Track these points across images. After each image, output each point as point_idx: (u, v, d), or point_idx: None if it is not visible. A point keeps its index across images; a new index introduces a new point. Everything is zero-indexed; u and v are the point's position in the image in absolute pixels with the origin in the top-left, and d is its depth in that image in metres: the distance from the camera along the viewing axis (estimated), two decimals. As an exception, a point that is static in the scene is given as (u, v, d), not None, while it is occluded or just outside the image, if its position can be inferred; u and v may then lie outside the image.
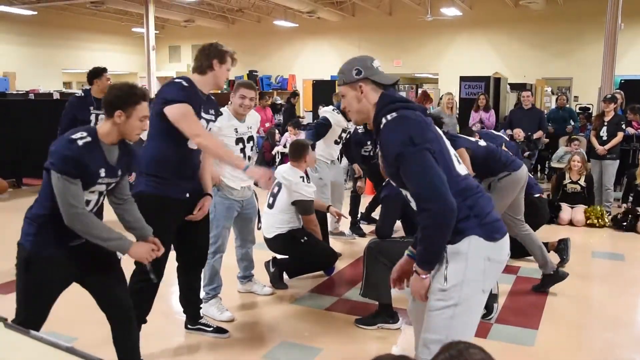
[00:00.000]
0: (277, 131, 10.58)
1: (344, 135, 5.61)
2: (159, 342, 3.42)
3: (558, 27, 15.83)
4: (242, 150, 3.83)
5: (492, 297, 3.86)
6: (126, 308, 2.64)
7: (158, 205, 2.92)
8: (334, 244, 5.37)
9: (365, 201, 6.44)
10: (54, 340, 1.24)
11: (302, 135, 9.83)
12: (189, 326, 3.57)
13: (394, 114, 2.03)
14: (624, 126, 7.24)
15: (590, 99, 13.43)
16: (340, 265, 4.99)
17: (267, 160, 9.87)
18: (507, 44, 16.82)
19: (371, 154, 6.06)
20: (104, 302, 2.62)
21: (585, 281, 4.79)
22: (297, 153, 4.61)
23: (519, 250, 4.81)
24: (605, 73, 9.72)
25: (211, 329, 3.54)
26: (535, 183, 5.30)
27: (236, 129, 3.77)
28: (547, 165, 9.58)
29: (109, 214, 2.78)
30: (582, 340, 3.66)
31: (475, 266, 1.99)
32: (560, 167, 7.84)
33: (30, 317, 2.43)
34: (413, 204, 2.06)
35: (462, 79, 10.48)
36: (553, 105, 13.89)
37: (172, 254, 3.40)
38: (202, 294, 3.82)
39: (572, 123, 9.63)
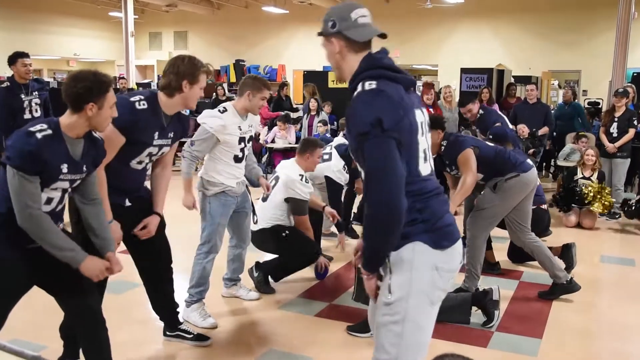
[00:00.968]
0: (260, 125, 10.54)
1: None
2: (135, 351, 3.40)
3: (566, 16, 15.90)
4: (242, 150, 3.84)
5: (493, 304, 3.87)
6: (94, 313, 2.60)
7: None
8: (326, 245, 5.36)
9: (359, 200, 6.45)
10: (19, 349, 1.22)
11: (291, 130, 9.85)
12: (167, 333, 3.55)
13: (373, 84, 1.88)
14: (635, 122, 7.26)
15: (600, 93, 13.51)
16: (331, 268, 4.99)
17: (256, 151, 9.82)
18: (511, 34, 16.87)
19: None
20: (69, 307, 2.59)
21: (592, 287, 4.82)
22: (302, 148, 4.68)
23: (521, 255, 4.84)
24: (617, 65, 9.77)
25: (191, 336, 3.52)
26: (541, 193, 5.31)
27: (240, 126, 3.78)
28: (552, 164, 9.61)
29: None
30: (589, 351, 3.67)
31: (421, 276, 1.93)
32: (567, 166, 7.87)
33: None
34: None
35: (463, 70, 10.52)
36: (560, 100, 13.98)
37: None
38: (186, 296, 3.80)
39: (580, 121, 9.59)
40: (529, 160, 4.37)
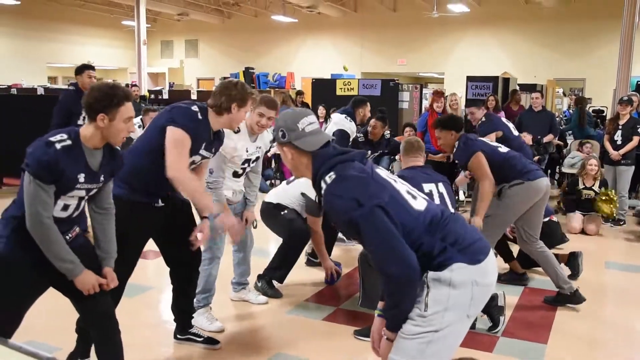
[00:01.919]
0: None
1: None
2: (146, 353, 3.40)
3: (571, 25, 15.88)
4: (244, 169, 3.88)
5: (499, 310, 3.85)
6: (108, 315, 2.62)
7: (126, 209, 2.86)
8: (335, 252, 5.35)
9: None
10: (34, 350, 1.23)
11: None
12: (178, 336, 3.56)
13: (332, 175, 1.98)
14: (639, 130, 7.23)
15: (604, 101, 13.45)
16: (339, 273, 4.99)
17: (264, 159, 9.83)
18: (516, 43, 16.86)
19: None
20: (83, 309, 2.60)
21: (598, 294, 4.78)
22: None
23: (527, 260, 4.80)
24: (621, 74, 9.73)
25: (202, 339, 3.53)
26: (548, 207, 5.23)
27: (247, 148, 3.80)
28: (557, 170, 9.58)
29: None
30: (594, 357, 3.64)
31: (461, 294, 1.94)
32: (572, 173, 7.84)
33: (1, 322, 2.42)
34: None
35: (469, 79, 10.49)
36: (565, 107, 13.92)
37: (161, 260, 3.40)
38: (194, 302, 3.81)
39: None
40: (539, 171, 4.31)
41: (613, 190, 6.72)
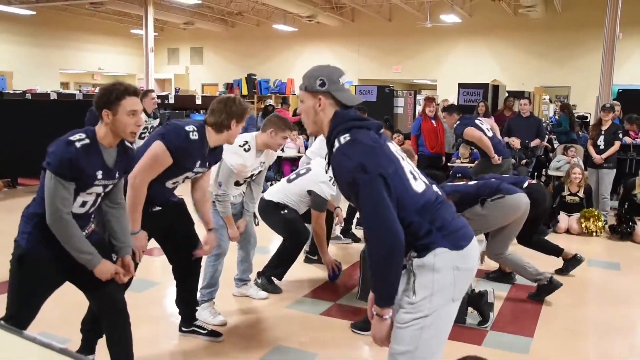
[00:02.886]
0: None
1: None
2: (152, 346, 3.41)
3: (557, 35, 15.91)
4: (246, 180, 3.92)
5: (489, 306, 3.87)
6: (121, 309, 2.63)
7: None
8: (332, 249, 5.36)
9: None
10: (48, 341, 1.23)
11: (301, 140, 9.86)
12: (183, 329, 3.57)
13: (347, 136, 1.97)
14: (620, 135, 7.27)
15: (588, 107, 13.49)
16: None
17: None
18: (505, 52, 16.89)
19: None
20: (97, 302, 2.62)
21: (581, 290, 4.80)
22: None
23: (526, 242, 4.85)
24: (603, 82, 9.76)
25: (205, 332, 3.54)
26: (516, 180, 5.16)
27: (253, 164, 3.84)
28: (544, 173, 9.60)
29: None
30: (577, 349, 3.66)
31: (444, 277, 1.95)
32: (558, 176, 7.86)
33: (19, 314, 2.45)
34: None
35: (461, 85, 10.53)
36: (551, 113, 13.95)
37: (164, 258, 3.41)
38: (198, 296, 3.82)
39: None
40: (516, 188, 4.27)
41: (596, 210, 6.76)
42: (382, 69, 18.81)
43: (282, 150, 9.85)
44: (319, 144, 5.30)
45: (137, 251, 2.87)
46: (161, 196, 3.09)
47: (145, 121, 6.80)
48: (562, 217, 6.79)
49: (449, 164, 8.13)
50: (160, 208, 3.11)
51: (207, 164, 3.16)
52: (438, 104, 8.93)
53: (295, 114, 11.37)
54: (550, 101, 15.42)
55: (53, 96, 13.91)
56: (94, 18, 19.49)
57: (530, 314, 4.10)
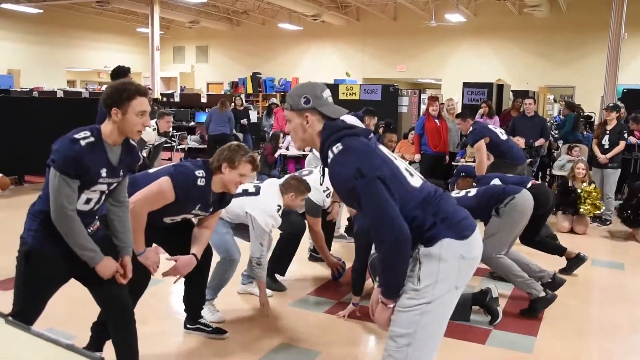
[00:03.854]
0: (281, 134, 10.59)
1: None
2: (157, 342, 3.42)
3: (562, 35, 15.87)
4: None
5: (494, 301, 3.85)
6: (125, 306, 2.64)
7: None
8: (335, 248, 5.37)
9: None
10: (55, 337, 1.24)
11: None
12: (188, 326, 3.58)
13: (339, 146, 2.02)
14: (625, 135, 7.24)
15: (593, 107, 13.44)
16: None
17: (269, 163, 9.86)
18: (510, 51, 16.85)
19: None
20: (102, 299, 2.63)
21: (584, 289, 4.79)
22: None
23: (530, 240, 4.83)
24: (608, 82, 9.74)
25: (210, 329, 3.55)
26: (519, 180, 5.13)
27: None
28: (548, 173, 9.58)
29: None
30: (581, 349, 3.65)
31: (449, 266, 2.00)
32: (562, 175, 7.83)
33: (25, 310, 2.46)
34: None
35: (465, 85, 10.50)
36: (555, 113, 13.91)
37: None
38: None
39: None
40: (518, 187, 4.24)
41: (593, 185, 6.71)
42: (386, 68, 18.79)
43: (287, 149, 9.86)
44: None
45: (151, 268, 2.93)
46: (158, 224, 3.09)
47: (155, 139, 7.03)
48: (567, 216, 6.77)
49: (453, 163, 8.11)
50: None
51: (211, 209, 3.14)
52: (442, 104, 8.92)
53: (270, 113, 11.42)
54: (555, 101, 15.37)
55: (60, 94, 13.96)
56: (100, 17, 19.54)
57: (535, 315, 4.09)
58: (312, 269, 5.01)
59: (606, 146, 7.10)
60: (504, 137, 6.41)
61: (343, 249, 5.66)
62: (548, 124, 9.44)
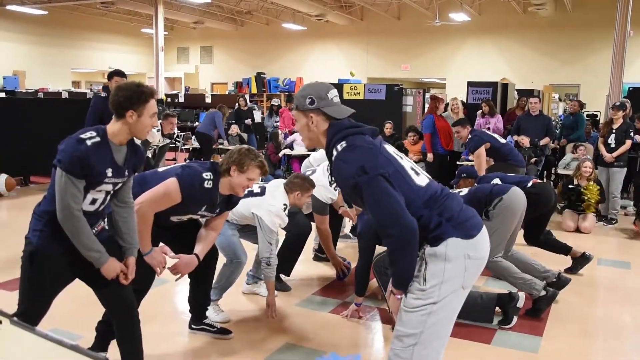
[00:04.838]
0: (280, 133, 10.59)
1: None
2: (162, 343, 3.42)
3: (566, 33, 15.81)
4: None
5: (515, 310, 3.80)
6: (130, 306, 2.64)
7: None
8: (340, 247, 5.36)
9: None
10: (59, 338, 1.24)
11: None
12: (193, 326, 3.58)
13: (344, 144, 2.04)
14: (632, 134, 7.20)
15: (598, 106, 13.38)
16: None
17: (273, 162, 9.86)
18: (515, 50, 16.80)
19: None
20: (106, 299, 2.63)
21: (590, 289, 4.77)
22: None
23: (535, 239, 4.81)
24: (614, 80, 9.69)
25: (215, 329, 3.55)
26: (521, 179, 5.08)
27: None
28: (553, 172, 9.54)
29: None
30: (587, 349, 3.63)
31: (455, 266, 2.00)
32: (567, 174, 7.81)
33: (30, 310, 2.47)
34: None
35: (470, 84, 10.46)
36: (560, 112, 13.85)
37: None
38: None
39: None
40: (507, 185, 4.15)
41: (595, 185, 6.71)
42: (390, 67, 18.77)
43: (292, 148, 9.85)
44: (322, 152, 5.31)
45: (158, 268, 2.94)
46: (165, 223, 3.10)
47: (159, 140, 7.06)
48: (572, 215, 6.74)
49: (457, 162, 8.09)
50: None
51: (217, 210, 3.14)
52: (446, 104, 8.90)
53: (272, 112, 11.46)
54: (560, 100, 15.31)
55: (65, 95, 14.01)
56: (105, 17, 19.59)
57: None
58: (317, 269, 5.01)
59: (612, 145, 7.07)
60: (502, 140, 6.51)
61: (348, 249, 5.66)
62: (553, 122, 9.40)
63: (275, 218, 3.73)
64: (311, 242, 5.20)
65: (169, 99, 15.25)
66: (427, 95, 10.65)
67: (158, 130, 6.98)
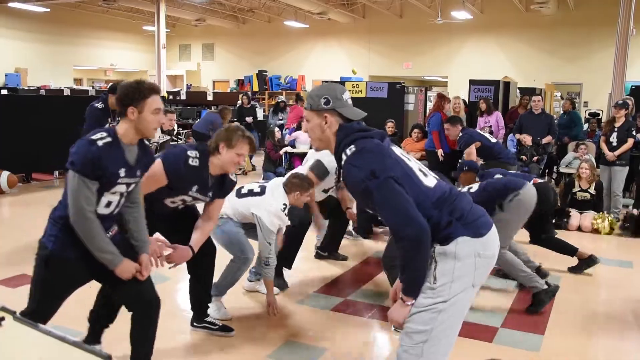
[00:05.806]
0: (276, 129, 10.53)
1: None
2: (164, 340, 3.40)
3: (569, 32, 15.78)
4: None
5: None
6: (148, 300, 2.65)
7: None
8: (342, 244, 5.36)
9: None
10: (62, 334, 1.24)
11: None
12: (194, 324, 3.58)
13: (352, 148, 2.04)
14: (634, 132, 7.19)
15: (600, 104, 13.37)
16: (347, 265, 5.00)
17: (273, 159, 9.82)
18: (517, 48, 16.78)
19: None
20: (125, 298, 2.65)
21: (592, 288, 4.76)
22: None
23: (537, 237, 4.81)
24: (616, 79, 9.68)
25: (217, 327, 3.55)
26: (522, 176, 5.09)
27: None
28: (555, 170, 9.54)
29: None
30: (588, 347, 3.63)
31: (465, 265, 2.00)
32: (569, 173, 7.80)
33: (39, 310, 2.48)
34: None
35: (472, 82, 10.45)
36: (562, 110, 13.84)
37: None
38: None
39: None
40: (522, 180, 4.22)
41: (603, 213, 6.70)
42: (392, 65, 18.75)
43: (294, 146, 9.85)
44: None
45: (153, 258, 2.88)
46: (161, 210, 3.10)
47: (159, 137, 7.10)
48: (574, 214, 6.73)
49: (460, 161, 8.08)
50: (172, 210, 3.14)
51: (210, 193, 3.11)
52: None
53: (277, 110, 11.43)
54: (562, 98, 15.29)
55: (66, 92, 14.01)
56: (107, 15, 19.60)
57: (541, 312, 4.07)
58: (318, 267, 5.01)
59: (614, 143, 7.05)
60: (493, 140, 6.57)
61: (350, 247, 5.66)
62: (555, 121, 9.40)
63: (274, 218, 3.72)
64: (313, 239, 5.20)
65: (170, 97, 15.26)
66: (430, 94, 10.65)
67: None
